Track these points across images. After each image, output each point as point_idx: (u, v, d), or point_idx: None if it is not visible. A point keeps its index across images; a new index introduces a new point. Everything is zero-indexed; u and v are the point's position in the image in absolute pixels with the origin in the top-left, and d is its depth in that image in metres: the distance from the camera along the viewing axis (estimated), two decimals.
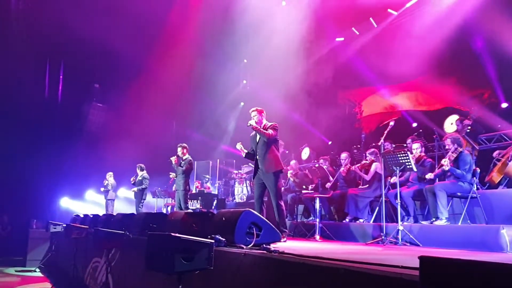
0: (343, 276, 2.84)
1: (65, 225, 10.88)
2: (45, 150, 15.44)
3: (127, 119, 16.53)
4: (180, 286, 3.62)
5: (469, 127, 8.61)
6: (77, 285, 8.49)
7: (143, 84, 15.29)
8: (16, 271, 11.68)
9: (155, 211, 13.76)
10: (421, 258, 1.75)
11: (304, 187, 9.05)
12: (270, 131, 6.35)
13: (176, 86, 14.81)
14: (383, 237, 6.23)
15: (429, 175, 7.06)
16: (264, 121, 6.56)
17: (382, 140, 7.07)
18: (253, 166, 6.74)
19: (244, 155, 6.84)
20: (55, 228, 11.19)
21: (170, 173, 10.95)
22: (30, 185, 15.00)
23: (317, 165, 8.91)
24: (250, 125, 6.36)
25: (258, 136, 6.48)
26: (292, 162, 10.04)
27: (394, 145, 8.61)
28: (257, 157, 6.49)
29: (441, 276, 1.67)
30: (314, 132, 13.10)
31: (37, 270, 11.80)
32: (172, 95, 14.97)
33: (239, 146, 6.81)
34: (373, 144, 8.90)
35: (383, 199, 6.76)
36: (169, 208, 14.04)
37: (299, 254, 3.55)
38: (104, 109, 17.09)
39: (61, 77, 16.93)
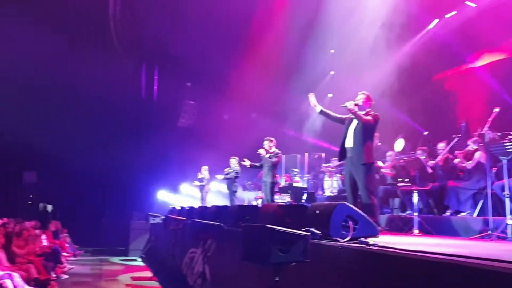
0: (452, 272, 2.64)
1: (163, 217, 11.44)
2: (143, 147, 16.43)
3: (217, 115, 17.08)
4: (277, 278, 3.60)
5: None
6: (176, 274, 8.87)
7: (231, 81, 15.57)
8: (120, 260, 12.49)
9: (246, 204, 13.95)
10: None
11: (400, 179, 8.66)
12: (368, 118, 5.91)
13: (263, 80, 14.88)
14: (489, 232, 5.80)
15: None
16: (368, 109, 6.08)
17: (486, 128, 6.57)
18: (340, 149, 6.24)
19: (318, 111, 6.41)
20: (154, 219, 11.82)
21: (244, 159, 10.47)
22: (130, 179, 16.04)
23: (414, 157, 8.51)
24: (345, 106, 5.94)
25: (356, 121, 6.03)
26: (389, 153, 9.68)
27: (499, 134, 7.94)
28: (348, 145, 6.04)
29: None
30: (409, 122, 12.48)
31: (139, 259, 12.54)
32: (259, 90, 15.07)
33: (312, 98, 6.39)
34: (475, 133, 8.30)
35: (489, 191, 6.28)
36: (259, 201, 14.17)
37: (402, 248, 3.37)
38: (195, 106, 17.78)
39: (155, 77, 17.90)
